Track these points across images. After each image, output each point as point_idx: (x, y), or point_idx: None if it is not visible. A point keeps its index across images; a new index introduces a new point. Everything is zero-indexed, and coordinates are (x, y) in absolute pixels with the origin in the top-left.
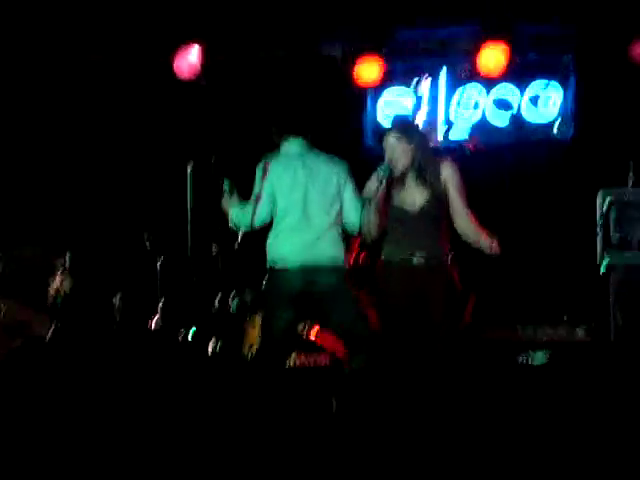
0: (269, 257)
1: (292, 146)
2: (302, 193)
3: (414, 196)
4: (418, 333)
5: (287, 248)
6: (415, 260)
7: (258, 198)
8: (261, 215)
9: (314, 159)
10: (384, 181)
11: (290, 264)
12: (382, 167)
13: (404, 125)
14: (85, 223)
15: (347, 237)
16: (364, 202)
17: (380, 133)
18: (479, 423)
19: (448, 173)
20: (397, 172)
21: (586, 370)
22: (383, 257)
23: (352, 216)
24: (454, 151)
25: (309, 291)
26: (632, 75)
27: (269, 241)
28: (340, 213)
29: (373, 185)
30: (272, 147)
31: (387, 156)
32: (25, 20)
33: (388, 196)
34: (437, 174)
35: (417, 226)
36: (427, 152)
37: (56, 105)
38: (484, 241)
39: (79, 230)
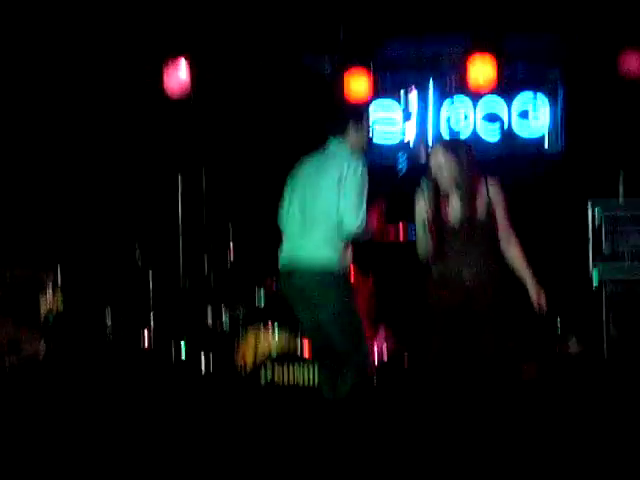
0: None
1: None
2: (300, 195)
3: (457, 213)
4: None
5: (282, 252)
6: (460, 277)
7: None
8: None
9: (323, 159)
10: (424, 199)
11: (282, 268)
12: (423, 183)
13: (452, 140)
14: (75, 239)
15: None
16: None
17: (429, 148)
18: (470, 434)
19: (495, 194)
20: (442, 188)
21: (578, 383)
22: (432, 274)
23: (344, 217)
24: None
25: (305, 296)
26: (620, 87)
27: None
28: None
29: (420, 204)
30: (262, 159)
31: (433, 171)
32: (14, 37)
33: (437, 212)
34: (482, 193)
35: (462, 243)
36: (472, 169)
37: (47, 121)
38: (531, 286)
39: (69, 246)
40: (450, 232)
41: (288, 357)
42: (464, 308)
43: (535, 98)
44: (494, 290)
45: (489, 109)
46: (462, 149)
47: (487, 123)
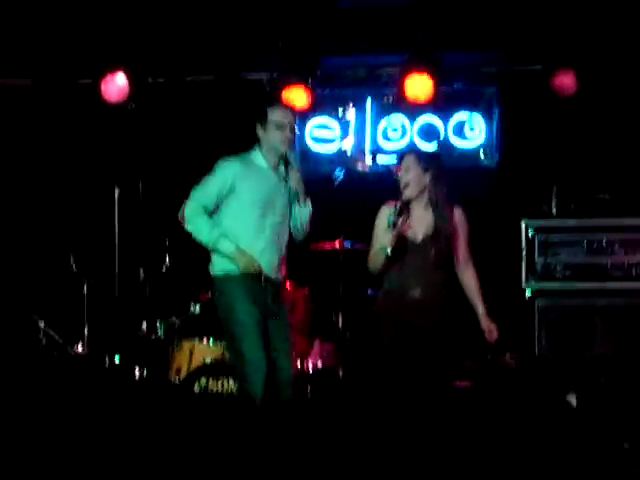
0: None
1: None
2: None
3: (418, 226)
4: (407, 369)
5: None
6: (411, 293)
7: None
8: None
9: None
10: (396, 224)
11: None
12: (392, 211)
13: (425, 152)
14: (11, 246)
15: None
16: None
17: (400, 153)
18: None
19: (460, 220)
20: (405, 197)
21: (511, 396)
22: (384, 286)
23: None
24: (383, 175)
25: None
26: (554, 104)
27: None
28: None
29: (383, 228)
30: (199, 170)
31: (400, 177)
32: None
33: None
34: (447, 214)
35: (416, 258)
36: (441, 187)
37: None
38: (482, 316)
39: (4, 254)
40: (409, 246)
41: (222, 367)
42: (411, 323)
43: (471, 115)
44: (441, 309)
45: (425, 125)
46: (434, 161)
47: (424, 138)
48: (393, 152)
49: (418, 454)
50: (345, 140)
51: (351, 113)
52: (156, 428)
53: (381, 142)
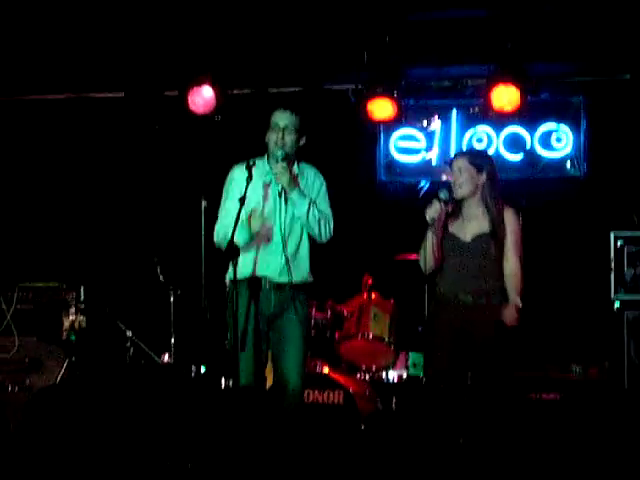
0: None
1: None
2: None
3: (469, 227)
4: (462, 372)
5: None
6: (462, 296)
7: None
8: None
9: None
10: (445, 204)
11: None
12: (443, 191)
13: (479, 152)
14: (99, 257)
15: None
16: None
17: (451, 157)
18: (492, 459)
19: (511, 219)
20: (456, 196)
21: (598, 409)
22: (436, 290)
23: None
24: None
25: None
26: None
27: None
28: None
29: (433, 210)
30: None
31: (453, 178)
32: (38, 57)
33: (444, 224)
34: (499, 214)
35: (467, 259)
36: (495, 187)
37: (73, 138)
38: (511, 299)
39: (92, 264)
40: (454, 245)
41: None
42: (458, 329)
43: (558, 125)
44: (494, 319)
45: (511, 135)
46: (486, 161)
47: (510, 148)
48: None
49: (507, 465)
50: (430, 151)
51: (436, 124)
52: (242, 436)
53: None
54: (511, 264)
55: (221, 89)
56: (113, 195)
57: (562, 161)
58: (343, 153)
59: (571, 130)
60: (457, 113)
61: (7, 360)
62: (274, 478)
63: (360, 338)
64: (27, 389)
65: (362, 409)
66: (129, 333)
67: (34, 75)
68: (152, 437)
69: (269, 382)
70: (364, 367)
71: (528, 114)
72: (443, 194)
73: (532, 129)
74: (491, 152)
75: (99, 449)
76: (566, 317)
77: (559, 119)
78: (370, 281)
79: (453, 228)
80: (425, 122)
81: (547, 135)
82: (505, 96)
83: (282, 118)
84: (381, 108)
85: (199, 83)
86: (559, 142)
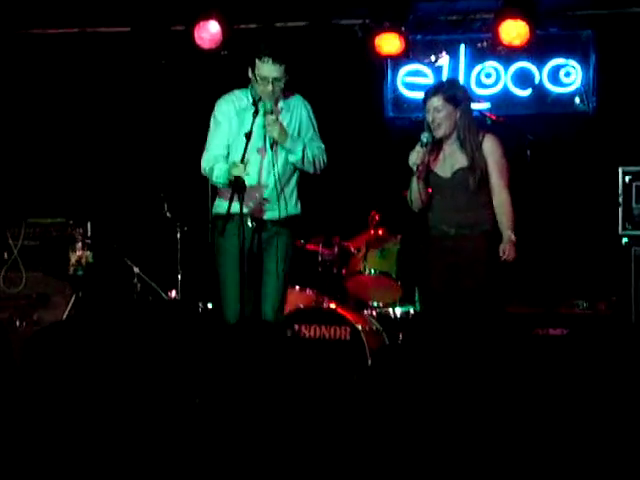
0: None
1: None
2: None
3: (450, 163)
4: (453, 306)
5: None
6: (446, 229)
7: None
8: None
9: None
10: (427, 147)
11: None
12: (424, 134)
13: (452, 87)
14: (105, 193)
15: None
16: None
17: (426, 93)
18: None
19: (490, 146)
20: (437, 136)
21: (605, 344)
22: (427, 224)
23: None
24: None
25: None
26: None
27: None
28: None
29: (415, 157)
30: None
31: (428, 118)
32: None
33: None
34: (478, 145)
35: (448, 195)
36: (471, 120)
37: (78, 74)
38: (505, 235)
39: (99, 200)
40: (437, 182)
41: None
42: (446, 263)
43: (567, 60)
44: (480, 251)
45: (520, 70)
46: (460, 94)
47: (518, 84)
48: (487, 98)
49: (512, 402)
50: None
51: (444, 59)
52: (248, 370)
53: (474, 88)
54: (498, 197)
55: (228, 24)
56: (119, 131)
57: (571, 96)
58: (350, 89)
59: (580, 65)
60: (465, 48)
61: (15, 295)
62: (280, 412)
63: (367, 274)
64: (35, 324)
65: (369, 344)
66: (136, 269)
67: (37, 8)
68: (159, 373)
69: None
70: (371, 303)
71: (537, 49)
72: (425, 137)
73: (541, 64)
74: (499, 87)
75: (104, 385)
76: (574, 253)
77: (568, 54)
78: (377, 217)
79: (435, 166)
80: (433, 57)
81: (556, 70)
82: (514, 30)
83: (271, 70)
84: (389, 43)
85: (206, 18)
86: (568, 77)
